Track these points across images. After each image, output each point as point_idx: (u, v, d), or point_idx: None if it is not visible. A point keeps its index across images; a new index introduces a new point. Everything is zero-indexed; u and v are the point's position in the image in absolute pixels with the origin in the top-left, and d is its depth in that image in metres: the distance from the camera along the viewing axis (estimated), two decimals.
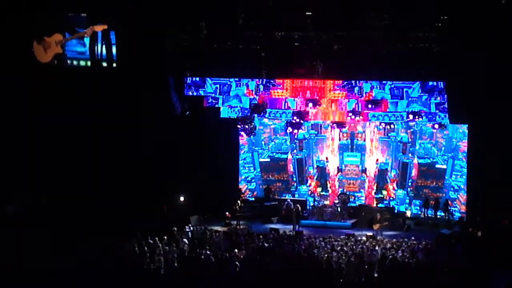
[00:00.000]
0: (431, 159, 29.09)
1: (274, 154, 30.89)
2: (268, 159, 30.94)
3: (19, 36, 20.85)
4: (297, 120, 28.55)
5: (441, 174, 28.88)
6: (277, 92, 26.78)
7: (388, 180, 29.71)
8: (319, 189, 30.22)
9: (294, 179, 30.73)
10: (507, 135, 24.57)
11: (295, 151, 30.58)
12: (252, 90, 26.85)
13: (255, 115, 28.86)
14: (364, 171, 29.94)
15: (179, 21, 24.63)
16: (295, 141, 30.48)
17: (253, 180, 30.96)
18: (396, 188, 29.66)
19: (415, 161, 29.31)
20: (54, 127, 24.42)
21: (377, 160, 29.84)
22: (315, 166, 30.51)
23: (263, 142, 30.76)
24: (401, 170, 29.57)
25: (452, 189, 28.54)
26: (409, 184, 29.50)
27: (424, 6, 23.15)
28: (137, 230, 21.60)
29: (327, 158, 30.28)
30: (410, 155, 29.48)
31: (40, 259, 18.74)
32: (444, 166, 28.79)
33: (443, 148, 28.79)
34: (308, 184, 30.53)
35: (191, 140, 27.71)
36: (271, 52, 24.96)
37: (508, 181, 24.33)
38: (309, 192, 30.36)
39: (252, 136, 30.23)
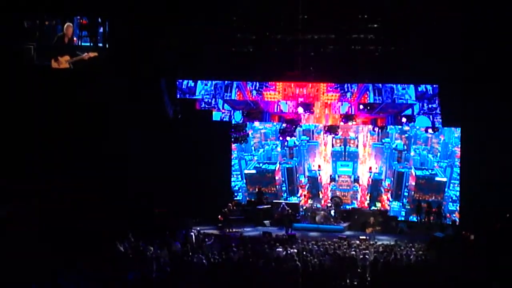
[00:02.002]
0: (430, 171, 29.05)
1: (261, 165, 30.94)
2: (254, 171, 30.97)
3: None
4: (290, 127, 28.91)
5: (441, 187, 28.82)
6: (270, 94, 27.22)
7: (382, 190, 29.82)
8: (310, 201, 30.28)
9: (284, 188, 30.89)
10: (502, 137, 25.04)
11: (285, 158, 30.77)
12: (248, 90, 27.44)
13: (247, 122, 29.27)
14: (356, 180, 30.14)
15: (172, 23, 25.13)
16: (285, 148, 30.72)
17: (240, 190, 31.15)
18: (391, 199, 29.73)
19: (412, 172, 29.27)
20: (51, 128, 24.95)
21: (370, 168, 29.94)
22: (306, 175, 30.72)
23: (253, 148, 30.90)
24: (396, 180, 29.55)
25: (450, 199, 28.72)
26: (405, 194, 29.55)
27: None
28: (129, 233, 21.92)
29: (319, 166, 30.52)
30: (405, 163, 29.35)
31: (33, 260, 19.12)
32: (445, 179, 28.72)
33: (438, 154, 28.94)
34: (299, 195, 30.72)
35: (183, 143, 28.13)
36: (264, 55, 25.39)
37: (502, 184, 24.77)
38: (301, 203, 30.46)
39: (242, 143, 30.47)
